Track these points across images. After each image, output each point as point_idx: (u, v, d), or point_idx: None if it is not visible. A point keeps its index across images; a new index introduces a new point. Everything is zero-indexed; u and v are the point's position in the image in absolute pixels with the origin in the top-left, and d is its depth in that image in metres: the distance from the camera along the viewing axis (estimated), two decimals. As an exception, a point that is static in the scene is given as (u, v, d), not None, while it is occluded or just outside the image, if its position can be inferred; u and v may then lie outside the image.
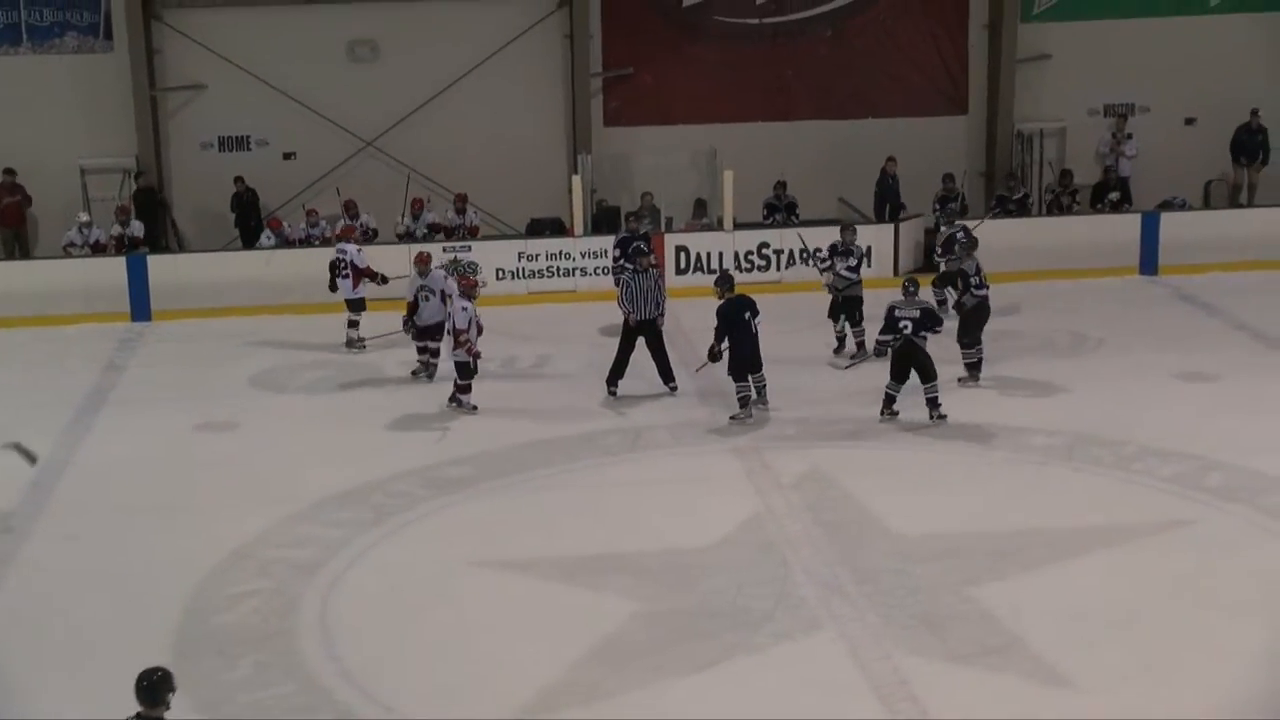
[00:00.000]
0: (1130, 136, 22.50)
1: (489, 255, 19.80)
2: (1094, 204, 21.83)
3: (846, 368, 16.10)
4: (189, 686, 9.36)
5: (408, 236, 20.21)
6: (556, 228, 21.24)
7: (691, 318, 16.76)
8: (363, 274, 17.61)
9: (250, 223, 21.25)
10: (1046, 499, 12.51)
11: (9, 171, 20.99)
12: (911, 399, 14.48)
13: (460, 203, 20.56)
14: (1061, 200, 21.68)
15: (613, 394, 15.45)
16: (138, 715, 7.16)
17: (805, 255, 19.41)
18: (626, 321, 15.43)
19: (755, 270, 19.94)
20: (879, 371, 15.53)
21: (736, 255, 20.01)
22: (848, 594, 10.70)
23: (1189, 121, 23.19)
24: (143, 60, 21.52)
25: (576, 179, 20.40)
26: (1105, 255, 20.39)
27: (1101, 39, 22.82)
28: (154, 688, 7.17)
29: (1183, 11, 23.00)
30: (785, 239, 20.08)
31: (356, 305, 17.74)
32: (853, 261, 16.73)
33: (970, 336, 15.59)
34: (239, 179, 21.43)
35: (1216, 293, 19.25)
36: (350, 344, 17.68)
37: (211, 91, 21.99)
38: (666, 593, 10.83)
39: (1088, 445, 13.65)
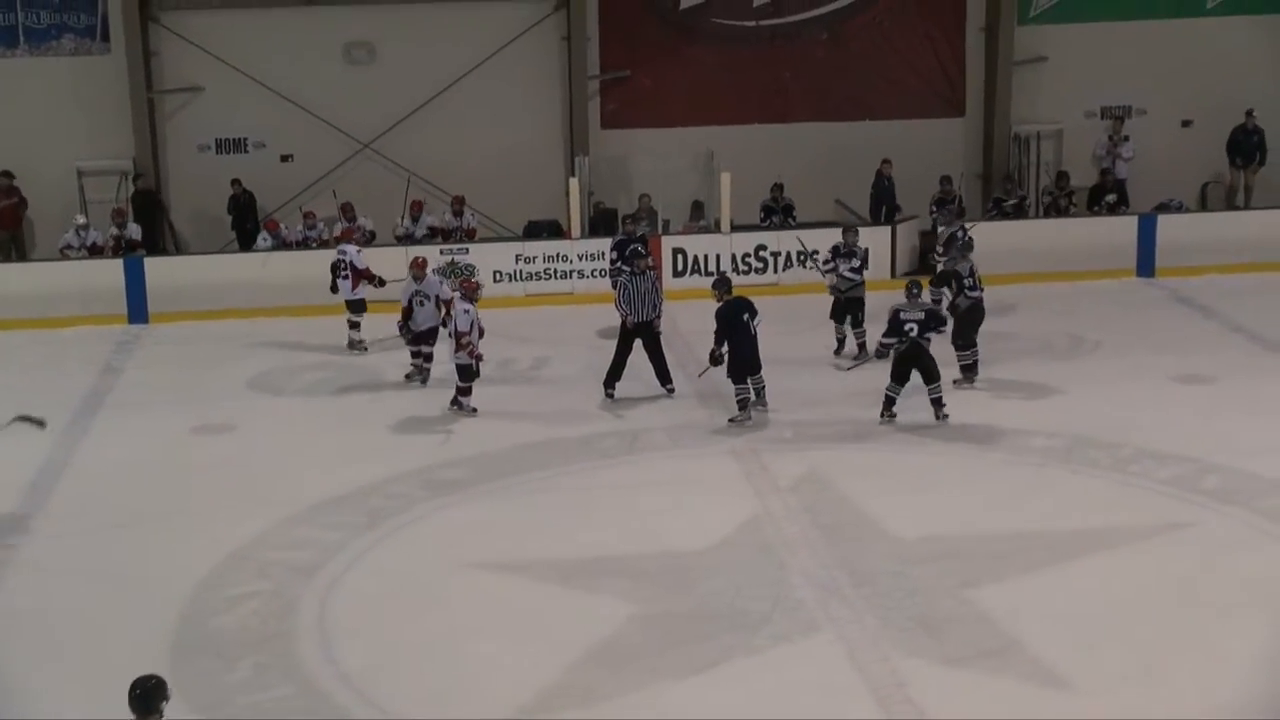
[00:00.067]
0: (1127, 139, 22.52)
1: (486, 257, 19.80)
2: (1091, 206, 21.85)
3: (848, 369, 16.10)
4: (187, 688, 9.40)
5: (407, 239, 20.21)
6: (554, 230, 21.25)
7: (689, 320, 16.76)
8: (361, 275, 17.62)
9: (247, 225, 21.24)
10: (1044, 501, 12.50)
11: (6, 174, 20.98)
12: (910, 401, 14.49)
13: (458, 205, 20.56)
14: (1059, 202, 21.69)
15: (610, 396, 15.45)
16: None
17: (803, 257, 19.41)
18: (624, 324, 15.44)
19: (753, 272, 19.94)
20: (877, 373, 15.53)
21: (734, 257, 20.01)
22: (846, 596, 10.70)
23: (1186, 124, 23.19)
24: (140, 62, 21.51)
25: (574, 181, 20.40)
26: (1102, 257, 20.40)
27: (1098, 41, 22.84)
28: (147, 696, 7.09)
29: (1179, 14, 23.02)
30: (782, 241, 20.09)
31: (356, 306, 17.74)
32: (856, 263, 16.75)
33: (965, 338, 15.60)
34: (236, 181, 21.43)
35: (1213, 295, 19.26)
36: (352, 345, 17.68)
37: (209, 94, 21.99)
38: (664, 595, 10.83)
39: (1085, 447, 13.66)
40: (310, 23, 21.99)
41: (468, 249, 19.91)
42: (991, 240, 19.33)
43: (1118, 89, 23.05)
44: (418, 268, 16.17)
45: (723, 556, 11.42)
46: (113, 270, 19.40)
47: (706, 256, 20.01)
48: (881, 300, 16.94)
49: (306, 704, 9.47)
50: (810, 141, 22.53)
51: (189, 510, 12.74)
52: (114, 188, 21.58)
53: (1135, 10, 22.96)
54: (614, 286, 16.37)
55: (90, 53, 21.78)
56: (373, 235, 19.93)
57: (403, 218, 20.50)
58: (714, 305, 14.62)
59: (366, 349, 17.50)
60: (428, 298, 16.03)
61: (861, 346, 16.58)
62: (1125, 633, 10.03)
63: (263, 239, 20.08)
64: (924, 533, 11.75)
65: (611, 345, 15.69)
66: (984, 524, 11.95)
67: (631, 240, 17.73)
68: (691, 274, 19.85)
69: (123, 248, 19.82)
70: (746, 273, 19.87)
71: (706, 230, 20.72)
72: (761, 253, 20.10)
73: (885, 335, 14.44)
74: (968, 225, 18.41)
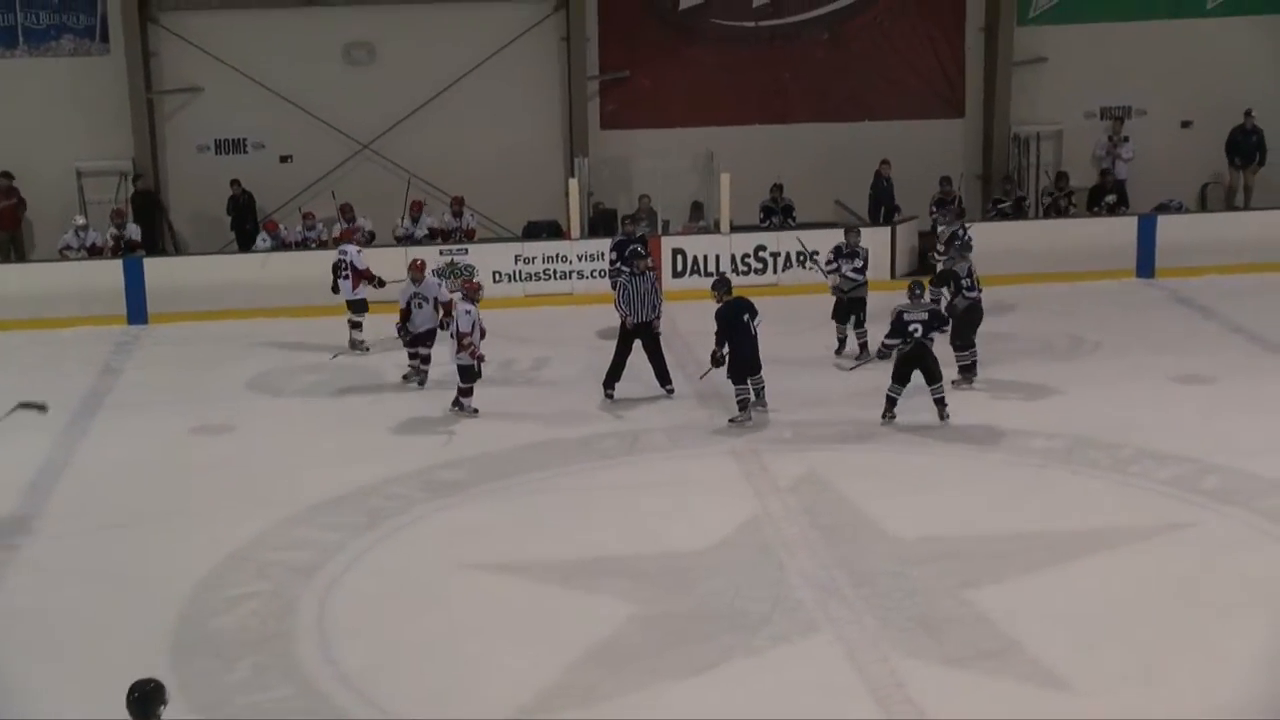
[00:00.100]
0: (1127, 139, 22.52)
1: (486, 258, 19.79)
2: (1091, 207, 21.85)
3: (851, 369, 16.08)
4: (186, 689, 9.43)
5: (407, 239, 20.20)
6: (553, 230, 21.25)
7: (688, 320, 16.76)
8: (362, 276, 17.62)
9: (246, 226, 21.24)
10: (1044, 502, 12.50)
11: (6, 175, 20.98)
12: (910, 401, 14.48)
13: (457, 205, 20.55)
14: (1059, 203, 21.69)
15: (610, 397, 15.45)
16: None
17: (802, 258, 19.41)
18: (623, 324, 15.43)
19: (752, 273, 19.93)
20: (877, 374, 15.54)
21: (733, 258, 20.01)
22: (845, 597, 10.69)
23: (1185, 124, 23.19)
24: (139, 63, 21.51)
25: (573, 182, 20.40)
26: (1102, 258, 20.40)
27: (1098, 42, 22.84)
28: (145, 700, 7.05)
29: (1179, 14, 23.02)
30: (782, 242, 20.08)
31: (357, 306, 17.75)
32: (859, 263, 16.75)
33: (963, 339, 15.59)
34: (235, 182, 21.42)
35: (1213, 295, 19.26)
36: (353, 345, 17.67)
37: (208, 94, 21.98)
38: (663, 595, 10.82)
39: (1085, 448, 13.65)
40: (310, 23, 21.99)
41: (467, 249, 19.91)
42: (991, 241, 19.37)
43: (1117, 90, 23.05)
44: (416, 270, 16.15)
45: (722, 557, 11.42)
46: (112, 271, 19.39)
47: (706, 257, 20.01)
48: (880, 301, 16.97)
49: (306, 704, 9.46)
50: (810, 142, 22.53)
51: (188, 511, 12.73)
52: (113, 188, 21.57)
53: (1135, 11, 22.96)
54: (613, 287, 16.36)
55: (89, 53, 21.78)
56: (372, 236, 19.92)
57: (403, 218, 20.48)
58: (713, 306, 14.62)
59: (368, 349, 17.49)
60: (426, 300, 16.02)
61: (863, 347, 16.56)
62: (1125, 633, 10.03)
63: (262, 240, 20.08)
64: (923, 533, 11.74)
65: (611, 346, 15.69)
66: (984, 524, 11.95)
67: (631, 241, 17.73)
68: (691, 274, 19.85)
69: (122, 248, 19.82)
70: (746, 273, 19.86)
71: (706, 231, 20.72)
72: (761, 253, 20.09)
73: (889, 336, 14.41)
74: (967, 225, 18.41)
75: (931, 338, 14.33)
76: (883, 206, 21.32)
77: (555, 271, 19.97)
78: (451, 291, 16.71)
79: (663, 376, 15.49)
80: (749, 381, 14.56)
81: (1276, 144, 22.45)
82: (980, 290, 15.80)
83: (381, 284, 17.53)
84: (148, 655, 9.98)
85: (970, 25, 22.98)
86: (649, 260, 16.48)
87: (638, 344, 15.41)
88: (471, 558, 11.57)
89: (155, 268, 19.62)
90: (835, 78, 22.89)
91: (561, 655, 9.90)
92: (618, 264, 17.49)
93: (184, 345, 18.30)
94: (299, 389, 16.45)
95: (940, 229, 19.02)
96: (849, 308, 16.77)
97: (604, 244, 19.15)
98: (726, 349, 14.40)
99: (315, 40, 22.01)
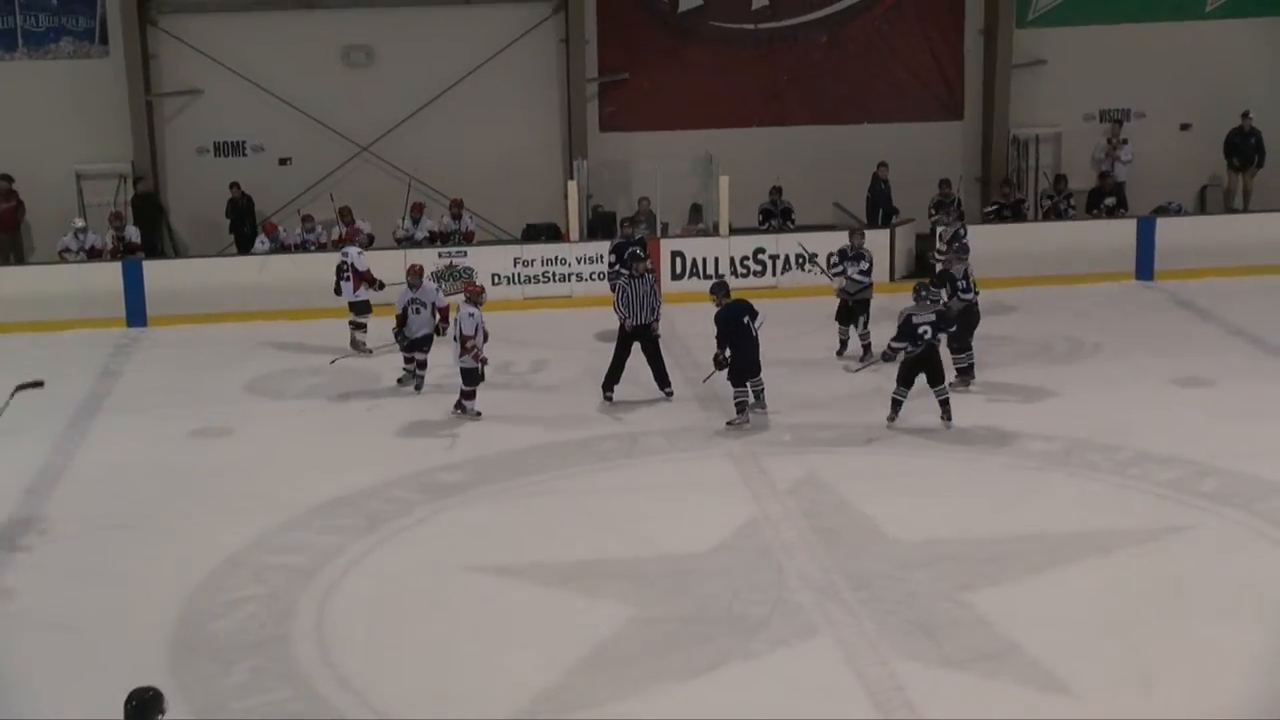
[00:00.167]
0: (1125, 142, 22.51)
1: (485, 260, 19.78)
2: (1090, 209, 21.84)
3: (857, 370, 16.03)
4: (185, 691, 9.44)
5: (407, 240, 20.20)
6: (552, 233, 21.24)
7: (687, 323, 16.77)
8: (362, 278, 17.62)
9: (244, 228, 21.22)
10: (1043, 504, 12.50)
11: (5, 177, 20.97)
12: (907, 404, 14.45)
13: (456, 208, 20.54)
14: (1058, 206, 21.69)
15: (609, 399, 15.45)
16: None
17: (802, 260, 19.41)
18: (622, 327, 15.43)
19: (751, 275, 19.92)
20: (875, 376, 15.61)
21: (732, 260, 20.00)
22: (844, 600, 10.69)
23: (1184, 127, 23.19)
24: (138, 65, 21.50)
25: (572, 184, 20.40)
26: (1101, 260, 20.40)
27: (1097, 44, 22.84)
28: (144, 708, 7.01)
29: (1178, 17, 23.01)
30: (781, 244, 20.08)
31: (359, 308, 17.75)
32: (865, 265, 16.73)
33: (960, 341, 15.57)
34: (234, 184, 21.41)
35: (1212, 298, 19.25)
36: (355, 345, 17.66)
37: (207, 97, 21.98)
38: (662, 598, 10.82)
39: (1084, 450, 13.65)
40: (309, 26, 21.99)
41: (466, 252, 19.90)
42: (991, 243, 19.41)
43: (1116, 92, 23.04)
44: (414, 275, 16.08)
45: (721, 560, 11.41)
46: (111, 273, 19.38)
47: (705, 259, 20.00)
48: (879, 303, 16.98)
49: (303, 707, 9.46)
50: (809, 144, 22.52)
51: (187, 514, 12.73)
52: (112, 191, 21.56)
53: (1134, 13, 22.96)
54: (612, 290, 16.36)
55: (89, 56, 21.78)
56: (371, 238, 19.91)
57: (403, 219, 20.46)
58: (713, 309, 14.61)
59: (371, 351, 17.45)
60: (424, 305, 15.93)
61: (867, 348, 16.54)
62: (1124, 636, 10.02)
63: (261, 242, 20.07)
64: (922, 536, 11.74)
65: (610, 348, 15.68)
66: (982, 527, 11.94)
67: (630, 243, 17.73)
68: (690, 277, 19.83)
69: (122, 251, 19.81)
70: (745, 275, 19.85)
71: (705, 233, 20.72)
72: (760, 256, 20.08)
73: (897, 339, 14.31)
74: (966, 228, 18.42)
75: (939, 339, 14.34)
76: (880, 209, 21.31)
77: (554, 274, 19.96)
78: (449, 294, 16.74)
79: (662, 379, 15.48)
80: (749, 384, 14.56)
81: (1275, 146, 22.44)
82: (977, 292, 15.79)
83: (381, 286, 17.52)
84: (146, 657, 9.99)
85: (969, 27, 22.99)
86: (648, 263, 16.48)
87: (637, 346, 15.41)
88: (471, 560, 11.57)
89: (154, 270, 19.61)
90: (834, 80, 22.90)
91: (561, 658, 9.90)
92: (617, 266, 17.50)
93: (183, 348, 18.29)
94: (298, 392, 16.44)
95: (941, 229, 19.00)
96: (853, 310, 16.75)
97: (603, 246, 19.16)
98: (728, 351, 14.39)
99: (314, 43, 22.01)
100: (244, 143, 22.24)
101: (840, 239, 17.78)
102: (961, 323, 15.58)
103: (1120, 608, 10.46)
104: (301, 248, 20.00)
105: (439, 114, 22.00)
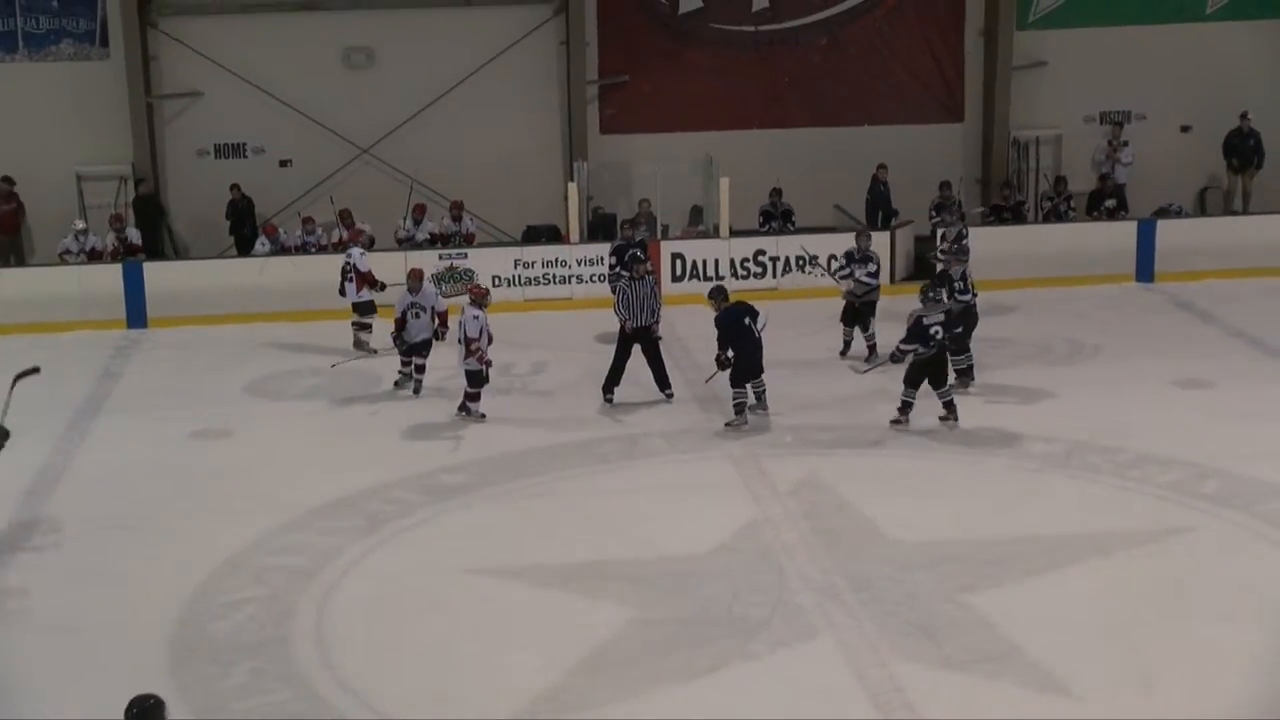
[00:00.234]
0: (1126, 144, 22.52)
1: (485, 263, 19.78)
2: (1090, 211, 21.85)
3: (865, 371, 15.99)
4: (185, 692, 9.45)
5: (408, 241, 20.19)
6: (552, 235, 21.25)
7: (687, 325, 16.77)
8: (364, 278, 17.62)
9: (244, 230, 21.22)
10: (1043, 506, 12.50)
11: (7, 179, 20.98)
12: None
13: (456, 210, 20.54)
14: (1058, 208, 21.69)
15: (609, 401, 15.44)
16: None
17: (802, 262, 19.40)
18: (622, 329, 15.43)
19: (751, 277, 19.92)
20: (875, 378, 15.60)
21: (733, 262, 20.00)
22: (844, 601, 10.69)
23: (1185, 129, 23.19)
24: (139, 67, 21.50)
25: (572, 186, 20.40)
26: (1102, 262, 20.39)
27: (1097, 46, 22.84)
28: (145, 715, 6.95)
29: (1179, 19, 23.02)
30: (782, 246, 20.08)
31: (363, 309, 17.75)
32: (873, 267, 16.74)
33: (958, 343, 15.56)
34: (235, 186, 21.41)
35: (1213, 300, 19.25)
36: (358, 346, 17.66)
37: (208, 99, 21.98)
38: (662, 600, 10.82)
39: (1084, 452, 13.65)
40: (309, 28, 21.98)
41: (466, 254, 19.90)
42: (991, 245, 19.41)
43: (1117, 94, 23.05)
44: (414, 279, 16.00)
45: (721, 561, 11.41)
46: (112, 275, 19.38)
47: (705, 261, 20.00)
48: (881, 305, 16.96)
49: (303, 708, 9.46)
50: (809, 146, 22.52)
51: (187, 514, 12.73)
52: (113, 193, 21.56)
53: (1134, 15, 22.96)
54: (613, 291, 16.35)
55: (89, 58, 21.78)
56: (371, 240, 19.89)
57: (404, 220, 20.45)
58: (712, 313, 14.59)
59: (375, 352, 17.36)
60: (423, 309, 15.83)
61: (872, 349, 16.53)
62: (1124, 637, 10.02)
63: (261, 244, 20.07)
64: (923, 537, 11.74)
65: (610, 350, 15.68)
66: (983, 529, 11.94)
67: (630, 245, 17.74)
68: (690, 279, 19.83)
69: (123, 252, 19.81)
70: (745, 277, 19.85)
71: (705, 235, 20.72)
72: (760, 257, 20.07)
73: (907, 341, 14.25)
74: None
75: (949, 339, 14.35)
76: (880, 211, 21.31)
77: (554, 276, 19.96)
78: (449, 297, 16.71)
79: (662, 381, 15.48)
80: (749, 385, 14.56)
81: (1275, 147, 22.44)
82: (975, 294, 15.78)
83: (383, 287, 17.51)
84: (146, 658, 10.01)
85: (969, 29, 22.99)
86: (648, 265, 16.47)
87: (637, 348, 15.41)
88: (471, 562, 11.57)
89: (155, 272, 19.61)
90: (834, 82, 22.90)
91: (560, 659, 9.90)
92: (617, 268, 17.50)
93: (183, 349, 18.29)
94: (298, 393, 16.44)
95: (944, 230, 18.96)
96: (860, 311, 16.74)
97: (603, 248, 19.17)
98: (730, 351, 14.38)
99: (314, 45, 22.01)
100: (244, 145, 22.24)
101: (840, 240, 17.78)
102: (959, 324, 15.57)
103: (1120, 609, 10.46)
104: (302, 250, 20.00)
105: (439, 116, 22.00)
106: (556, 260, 19.99)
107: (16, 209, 21.11)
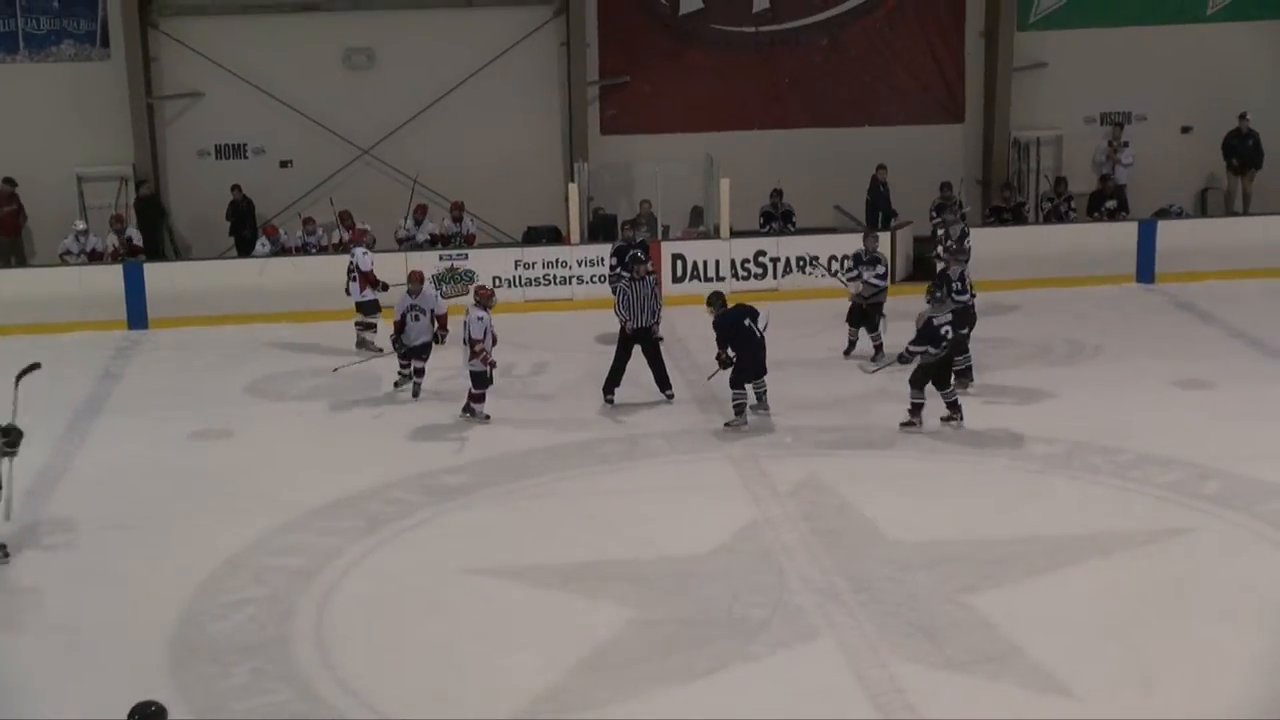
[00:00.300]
0: (1126, 145, 22.52)
1: (485, 263, 19.77)
2: (1090, 212, 21.85)
3: (874, 371, 15.96)
4: (185, 693, 9.47)
5: (408, 240, 20.19)
6: (553, 236, 21.24)
7: (688, 325, 16.75)
8: (366, 278, 17.62)
9: (244, 231, 21.22)
10: (1044, 507, 12.50)
11: (8, 181, 20.98)
12: (904, 407, 14.45)
13: (457, 211, 20.54)
14: (1058, 208, 21.69)
15: (609, 402, 15.44)
16: None
17: (803, 263, 19.39)
18: (623, 329, 15.42)
19: (752, 278, 19.92)
20: (876, 379, 15.60)
21: (733, 263, 19.99)
22: (844, 602, 10.69)
23: (1185, 130, 23.19)
24: (139, 68, 21.51)
25: (573, 187, 20.39)
26: (1102, 263, 20.39)
27: (1098, 47, 22.84)
28: None
29: (1179, 20, 23.02)
30: (782, 247, 20.07)
31: (367, 308, 17.76)
32: (880, 269, 16.75)
33: (958, 344, 15.54)
34: (236, 187, 21.41)
35: (1213, 300, 19.25)
36: (362, 345, 17.65)
37: (208, 99, 21.99)
38: (662, 600, 10.82)
39: (1085, 453, 13.65)
40: (310, 28, 21.99)
41: (467, 255, 19.89)
42: (992, 246, 19.39)
43: (1117, 95, 23.06)
44: (415, 281, 15.95)
45: (721, 562, 11.41)
46: (112, 276, 19.38)
47: (706, 262, 19.98)
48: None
49: (303, 708, 9.46)
50: (810, 147, 22.51)
51: (187, 515, 12.73)
52: (113, 193, 21.56)
53: (1135, 16, 22.96)
54: (613, 292, 16.35)
55: (90, 58, 21.79)
56: (372, 241, 19.87)
57: (405, 219, 20.44)
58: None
59: (381, 350, 17.29)
60: (423, 312, 15.77)
61: (878, 348, 16.52)
62: (1124, 638, 10.02)
63: (261, 244, 20.06)
64: (923, 538, 11.74)
65: (611, 351, 15.68)
66: (983, 529, 11.94)
67: (631, 246, 17.74)
68: (691, 280, 19.82)
69: (123, 253, 19.81)
70: (746, 278, 19.86)
71: (706, 236, 20.72)
72: (761, 258, 20.06)
73: (917, 343, 14.22)
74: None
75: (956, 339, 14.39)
76: (880, 212, 21.30)
77: (555, 277, 19.95)
78: (449, 298, 16.68)
79: (662, 381, 15.47)
80: (750, 385, 14.55)
81: (1273, 147, 22.43)
82: (973, 294, 15.76)
83: (385, 288, 17.52)
84: (146, 659, 10.02)
85: (970, 30, 22.99)
86: (649, 265, 16.47)
87: (637, 349, 15.40)
88: (471, 562, 11.57)
89: (155, 273, 19.61)
90: (835, 83, 22.90)
91: (561, 659, 9.90)
92: (618, 269, 17.50)
93: (184, 350, 18.28)
94: (299, 394, 16.43)
95: (947, 229, 18.91)
96: (866, 313, 16.73)
97: (604, 249, 19.17)
98: (730, 350, 14.36)
99: (315, 45, 22.02)
100: (245, 145, 22.24)
101: (839, 241, 17.77)
102: (964, 324, 15.59)
103: (1121, 610, 10.46)
104: (302, 250, 19.99)
105: (440, 117, 22.01)
106: (557, 261, 19.99)
107: (17, 211, 21.11)
